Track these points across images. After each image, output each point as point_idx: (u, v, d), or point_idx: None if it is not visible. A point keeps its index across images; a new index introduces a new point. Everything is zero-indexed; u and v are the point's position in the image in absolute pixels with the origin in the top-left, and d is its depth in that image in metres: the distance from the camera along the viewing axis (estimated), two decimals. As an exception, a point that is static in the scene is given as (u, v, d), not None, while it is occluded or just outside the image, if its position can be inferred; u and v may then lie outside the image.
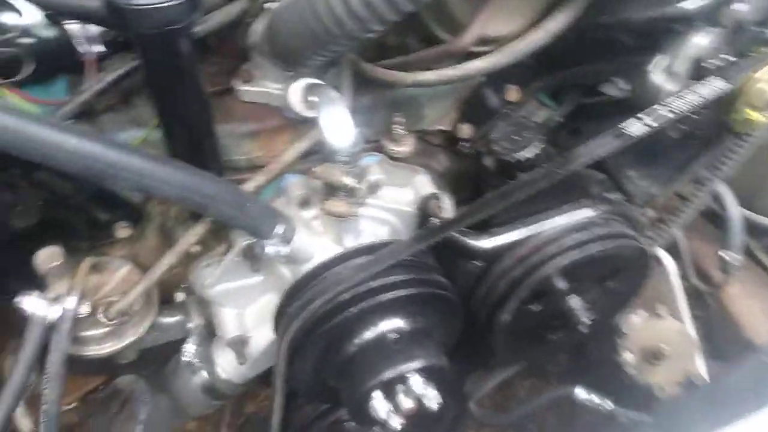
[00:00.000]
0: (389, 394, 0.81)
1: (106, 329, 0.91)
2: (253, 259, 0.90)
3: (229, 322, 0.96)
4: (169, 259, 0.85)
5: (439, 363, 0.85)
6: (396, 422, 0.80)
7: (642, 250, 0.99)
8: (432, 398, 0.80)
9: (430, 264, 0.92)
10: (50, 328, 0.87)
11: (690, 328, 1.11)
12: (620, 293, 1.07)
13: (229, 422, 1.39)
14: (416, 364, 0.82)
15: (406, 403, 0.80)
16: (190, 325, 1.02)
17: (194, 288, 0.95)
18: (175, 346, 1.04)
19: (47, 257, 0.87)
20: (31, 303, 0.86)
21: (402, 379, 0.81)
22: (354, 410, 0.85)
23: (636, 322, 1.15)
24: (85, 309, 0.88)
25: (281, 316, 0.87)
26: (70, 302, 0.87)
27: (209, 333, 1.01)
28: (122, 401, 1.02)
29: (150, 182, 0.67)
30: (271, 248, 0.81)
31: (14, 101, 0.79)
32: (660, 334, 1.12)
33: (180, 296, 1.01)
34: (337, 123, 0.77)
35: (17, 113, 0.59)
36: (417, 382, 0.81)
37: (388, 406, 0.80)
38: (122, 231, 0.95)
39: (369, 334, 0.85)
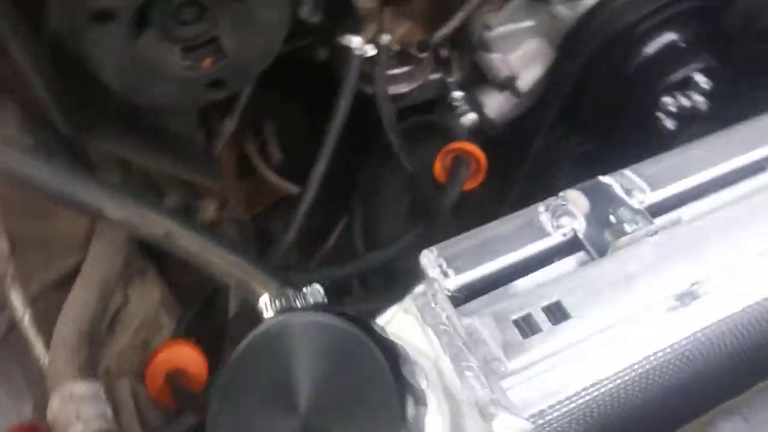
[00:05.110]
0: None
1: (407, 69, 1.08)
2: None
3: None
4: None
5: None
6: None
7: None
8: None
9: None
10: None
11: None
12: None
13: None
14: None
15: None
16: (451, 80, 1.17)
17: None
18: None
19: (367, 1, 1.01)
20: (353, 42, 1.02)
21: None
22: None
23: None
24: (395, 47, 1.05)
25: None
26: (386, 40, 1.03)
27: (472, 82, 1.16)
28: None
29: None
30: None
31: None
32: None
33: (443, 53, 1.16)
34: None
35: None
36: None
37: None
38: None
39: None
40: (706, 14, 0.99)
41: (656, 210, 0.56)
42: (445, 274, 0.53)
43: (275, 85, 1.03)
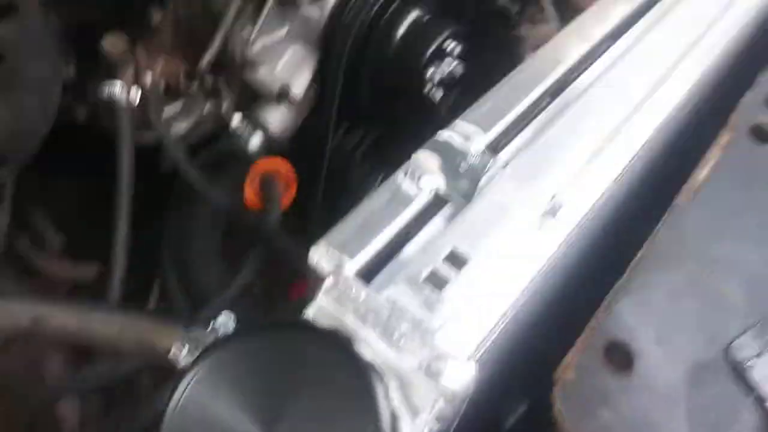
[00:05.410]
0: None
1: (179, 104, 1.03)
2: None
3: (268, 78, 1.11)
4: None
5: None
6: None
7: None
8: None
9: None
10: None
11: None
12: None
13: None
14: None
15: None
16: (225, 105, 1.15)
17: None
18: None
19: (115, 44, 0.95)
20: (114, 90, 0.95)
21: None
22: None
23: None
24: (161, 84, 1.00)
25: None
26: (148, 80, 0.98)
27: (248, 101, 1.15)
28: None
29: None
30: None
31: None
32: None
33: (208, 81, 1.13)
34: None
35: None
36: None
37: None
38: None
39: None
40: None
41: (497, 146, 0.61)
42: (342, 262, 0.52)
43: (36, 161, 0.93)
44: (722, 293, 0.53)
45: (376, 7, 1.06)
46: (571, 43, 0.73)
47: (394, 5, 1.08)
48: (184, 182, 1.03)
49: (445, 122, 1.15)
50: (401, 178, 0.59)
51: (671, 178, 0.61)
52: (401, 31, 1.09)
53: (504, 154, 0.61)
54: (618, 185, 0.58)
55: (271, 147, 1.15)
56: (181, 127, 1.07)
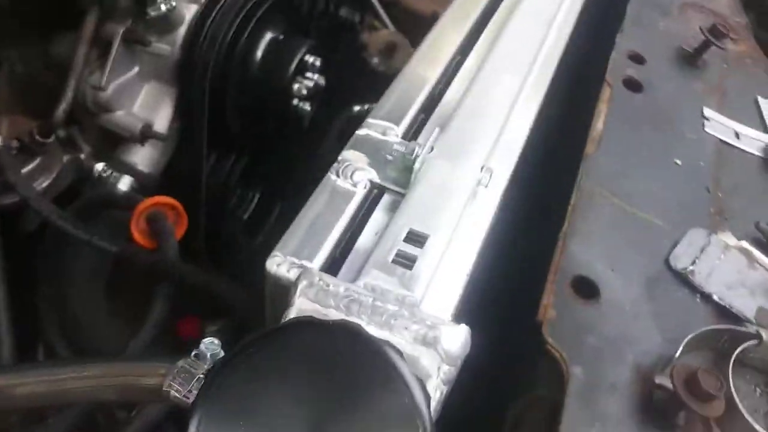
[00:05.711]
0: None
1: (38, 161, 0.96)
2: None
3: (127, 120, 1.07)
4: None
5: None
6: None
7: None
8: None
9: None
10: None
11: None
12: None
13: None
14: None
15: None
16: (83, 155, 1.08)
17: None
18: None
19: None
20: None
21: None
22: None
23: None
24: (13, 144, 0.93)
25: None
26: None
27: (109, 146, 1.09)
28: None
29: None
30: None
31: None
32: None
33: (62, 133, 1.06)
34: None
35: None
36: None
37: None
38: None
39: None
40: (284, 5, 1.12)
41: (413, 135, 0.65)
42: (304, 265, 0.53)
43: None
44: (646, 218, 0.61)
45: (230, 34, 1.06)
46: (447, 37, 0.79)
47: (248, 30, 1.08)
48: (52, 237, 0.97)
49: (312, 132, 1.18)
50: (334, 179, 0.60)
51: (574, 132, 0.69)
52: (260, 53, 1.10)
53: (425, 138, 0.65)
54: (530, 149, 0.64)
55: (144, 186, 1.11)
56: (42, 182, 1.00)
